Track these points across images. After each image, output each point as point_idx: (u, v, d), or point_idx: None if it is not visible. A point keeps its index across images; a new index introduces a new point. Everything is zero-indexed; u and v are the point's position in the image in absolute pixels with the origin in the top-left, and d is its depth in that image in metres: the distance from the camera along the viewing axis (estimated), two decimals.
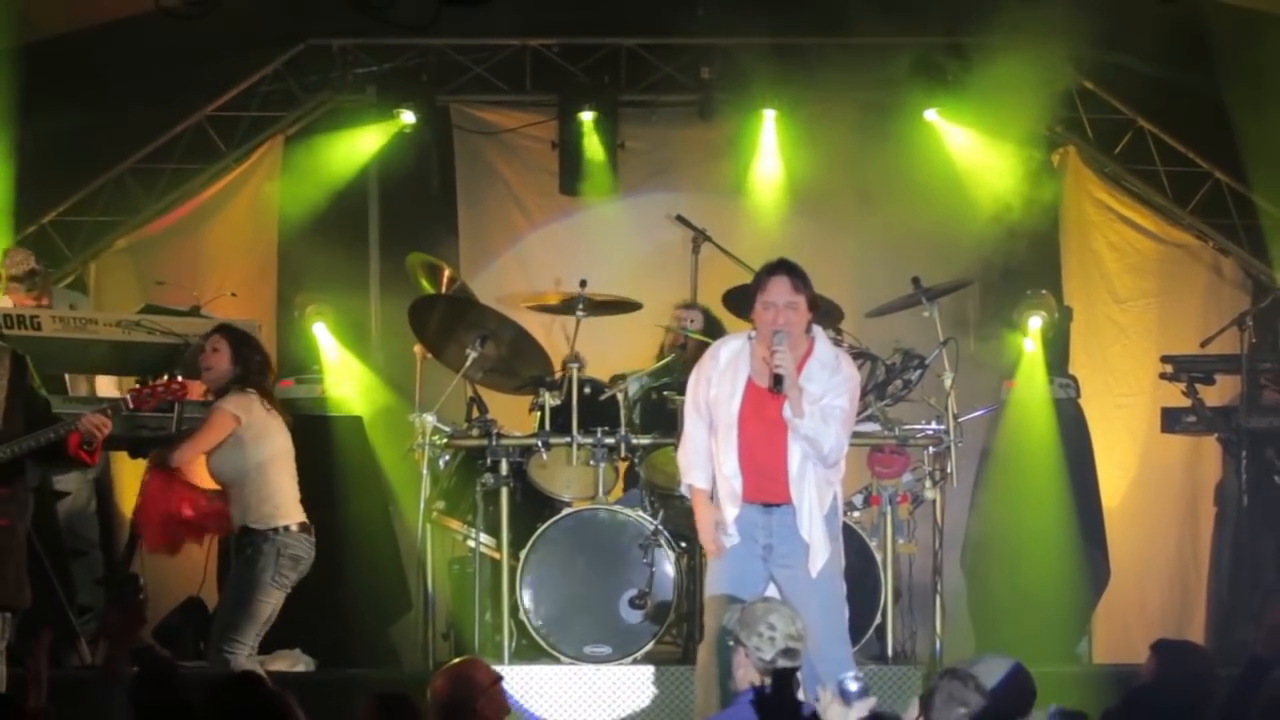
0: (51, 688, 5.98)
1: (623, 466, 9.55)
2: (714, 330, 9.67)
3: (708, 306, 10.08)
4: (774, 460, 7.37)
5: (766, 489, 7.39)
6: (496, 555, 9.25)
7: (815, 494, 7.37)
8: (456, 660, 6.77)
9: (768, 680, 5.89)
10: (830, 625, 7.31)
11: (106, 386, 9.85)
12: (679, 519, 9.18)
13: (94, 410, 7.74)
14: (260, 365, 8.58)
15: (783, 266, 7.48)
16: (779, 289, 7.40)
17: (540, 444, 9.21)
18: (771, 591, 7.31)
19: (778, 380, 7.26)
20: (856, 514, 9.14)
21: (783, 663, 6.06)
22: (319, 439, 10.42)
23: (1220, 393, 10.25)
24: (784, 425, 7.34)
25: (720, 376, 7.45)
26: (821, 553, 7.36)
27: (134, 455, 9.40)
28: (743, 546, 7.36)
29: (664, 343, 10.04)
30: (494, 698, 6.83)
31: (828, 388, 7.38)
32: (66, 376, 9.49)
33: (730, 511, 7.37)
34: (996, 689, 5.50)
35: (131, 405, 7.88)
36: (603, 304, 9.71)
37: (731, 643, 6.21)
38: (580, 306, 9.44)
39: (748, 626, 6.16)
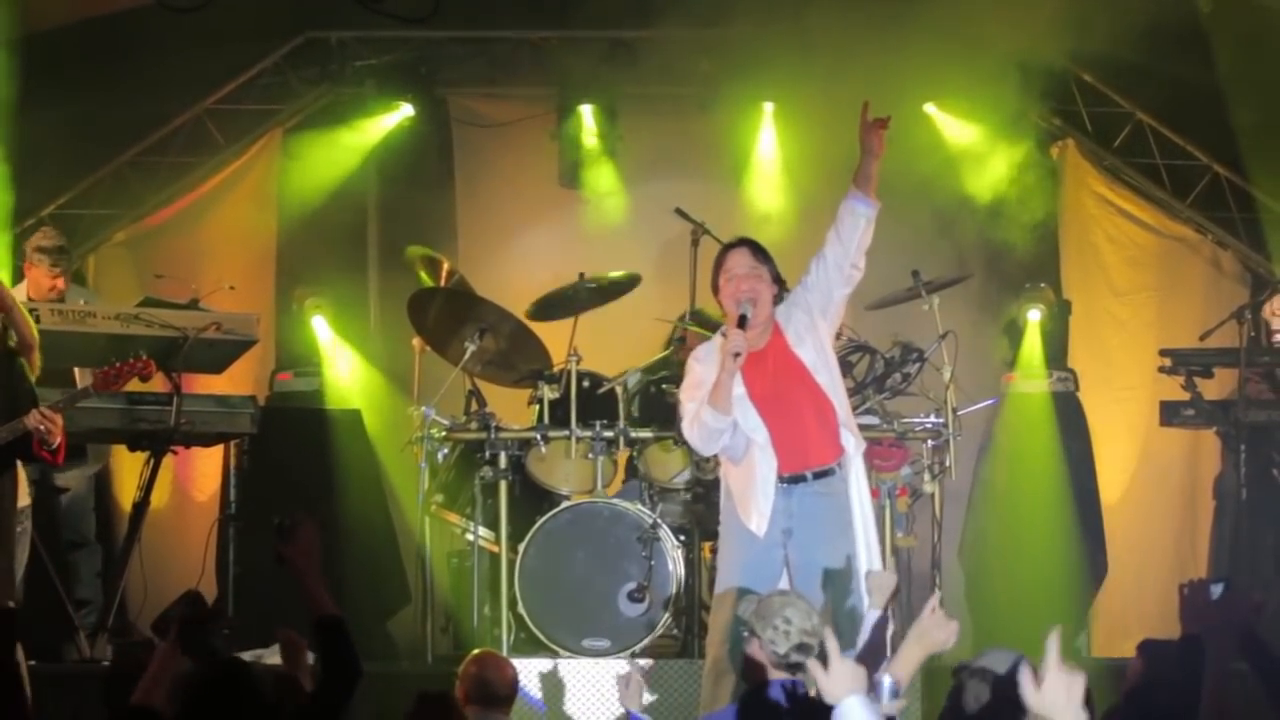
0: (48, 681, 5.96)
1: (622, 459, 9.54)
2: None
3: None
4: (797, 418, 7.24)
5: (799, 453, 7.23)
6: (495, 548, 9.25)
7: (855, 441, 7.29)
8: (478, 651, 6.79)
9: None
10: (851, 611, 7.23)
11: None
12: (678, 512, 9.19)
13: (47, 406, 7.51)
14: None
15: (741, 240, 7.45)
16: (738, 259, 7.32)
17: (539, 437, 9.21)
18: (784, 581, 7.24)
19: (742, 319, 7.12)
20: None
21: (796, 657, 6.05)
22: (317, 432, 10.43)
23: (1219, 386, 10.25)
24: (792, 383, 7.24)
25: (708, 370, 7.26)
26: (868, 526, 7.29)
27: (132, 448, 9.39)
28: (763, 537, 7.22)
29: (670, 336, 10.01)
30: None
31: (809, 305, 7.35)
32: (76, 370, 9.46)
33: (764, 504, 7.19)
34: (1003, 680, 5.50)
35: (97, 389, 7.72)
36: (603, 289, 9.70)
37: (746, 633, 6.18)
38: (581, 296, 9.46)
39: (764, 619, 6.10)
